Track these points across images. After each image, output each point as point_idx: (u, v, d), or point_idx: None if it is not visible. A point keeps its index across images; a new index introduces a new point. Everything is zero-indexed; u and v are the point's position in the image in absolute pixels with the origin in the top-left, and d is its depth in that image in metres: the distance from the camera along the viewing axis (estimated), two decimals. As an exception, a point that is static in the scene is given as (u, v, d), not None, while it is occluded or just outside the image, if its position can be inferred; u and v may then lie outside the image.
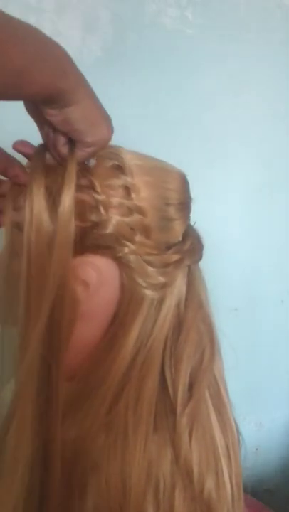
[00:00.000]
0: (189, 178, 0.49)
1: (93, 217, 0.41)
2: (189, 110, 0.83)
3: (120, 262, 0.43)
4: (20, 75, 0.31)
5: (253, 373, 1.01)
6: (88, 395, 0.42)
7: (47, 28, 0.70)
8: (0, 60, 0.30)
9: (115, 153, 0.44)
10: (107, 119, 0.40)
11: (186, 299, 0.46)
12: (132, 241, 0.42)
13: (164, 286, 0.44)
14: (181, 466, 0.41)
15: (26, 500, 0.39)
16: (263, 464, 1.11)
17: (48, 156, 0.42)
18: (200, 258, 0.49)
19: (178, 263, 0.45)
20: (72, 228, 0.39)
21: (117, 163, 0.43)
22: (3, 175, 0.42)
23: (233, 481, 0.45)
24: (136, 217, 0.42)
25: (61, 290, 0.39)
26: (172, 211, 0.45)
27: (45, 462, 0.40)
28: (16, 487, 0.39)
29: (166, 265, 0.44)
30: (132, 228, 0.42)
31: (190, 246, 0.46)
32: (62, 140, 0.39)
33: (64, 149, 0.40)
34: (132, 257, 0.42)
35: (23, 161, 0.45)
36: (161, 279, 0.43)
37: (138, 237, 0.42)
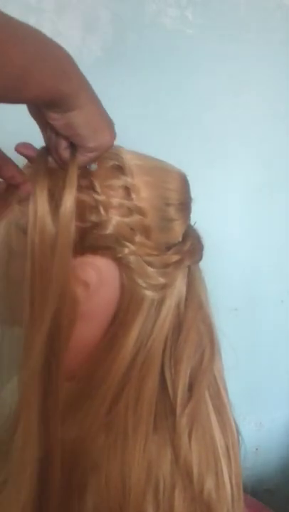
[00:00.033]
0: (189, 178, 0.49)
1: (93, 218, 0.41)
2: (189, 110, 0.83)
3: (120, 263, 0.43)
4: (21, 76, 0.31)
5: (253, 373, 1.01)
6: (88, 395, 0.42)
7: (47, 28, 0.71)
8: (0, 60, 0.29)
9: (115, 153, 0.44)
10: (109, 125, 0.39)
11: (186, 300, 0.46)
12: (132, 241, 0.42)
13: (164, 287, 0.44)
14: (181, 467, 0.41)
15: (34, 500, 0.39)
16: (263, 464, 1.11)
17: (50, 159, 0.42)
18: (200, 258, 0.49)
19: (178, 263, 0.45)
20: (72, 231, 0.39)
21: (117, 163, 0.43)
22: None
23: (233, 481, 0.45)
24: (136, 218, 0.42)
25: (62, 290, 0.39)
26: (172, 211, 0.45)
27: (45, 462, 0.40)
28: (26, 487, 0.39)
29: (166, 266, 0.44)
30: (132, 229, 0.42)
31: (190, 246, 0.46)
32: (64, 144, 0.39)
33: (65, 153, 0.39)
34: (132, 258, 0.42)
35: (24, 162, 0.45)
36: (161, 280, 0.43)
37: (138, 238, 0.42)
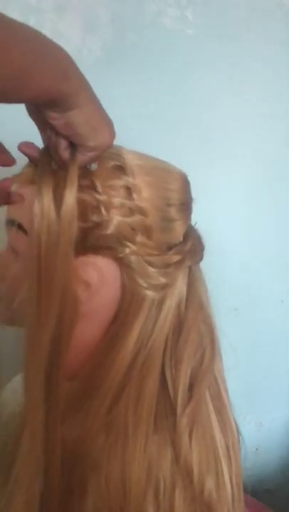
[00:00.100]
0: (189, 178, 0.49)
1: (94, 218, 0.41)
2: (189, 110, 0.83)
3: (121, 263, 0.43)
4: (21, 77, 0.31)
5: (253, 373, 1.01)
6: (89, 394, 0.42)
7: (47, 28, 0.71)
8: (0, 60, 0.30)
9: (116, 153, 0.44)
10: (109, 124, 0.39)
11: (187, 300, 0.46)
12: (133, 241, 0.42)
13: (164, 287, 0.44)
14: (182, 467, 0.41)
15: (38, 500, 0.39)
16: (263, 464, 1.11)
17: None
18: (201, 259, 0.49)
19: (179, 264, 0.45)
20: (74, 231, 0.39)
21: (118, 163, 0.43)
22: None
23: (233, 481, 0.45)
24: (137, 218, 0.42)
25: (64, 290, 0.39)
26: (173, 212, 0.45)
27: (45, 462, 0.40)
28: (31, 487, 0.39)
29: (167, 266, 0.44)
30: (133, 229, 0.42)
31: (191, 246, 0.46)
32: (63, 144, 0.39)
33: (65, 153, 0.40)
34: (133, 258, 0.42)
35: (25, 161, 0.45)
36: (162, 280, 0.43)
37: (139, 238, 0.42)
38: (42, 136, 0.41)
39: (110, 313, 0.45)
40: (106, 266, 0.43)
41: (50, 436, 0.40)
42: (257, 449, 1.10)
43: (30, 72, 0.32)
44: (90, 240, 0.42)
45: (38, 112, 0.38)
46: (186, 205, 0.47)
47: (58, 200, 0.39)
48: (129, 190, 0.42)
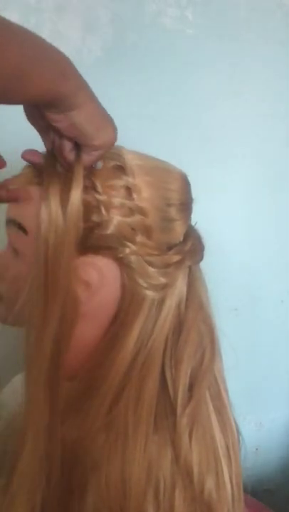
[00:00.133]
0: (189, 179, 0.49)
1: (94, 218, 0.41)
2: (189, 110, 0.83)
3: (121, 263, 0.43)
4: (20, 77, 0.32)
5: (253, 373, 1.01)
6: (89, 394, 0.42)
7: (47, 28, 0.71)
8: None
9: (117, 153, 0.44)
10: (111, 122, 0.40)
11: (187, 300, 0.46)
12: (133, 242, 0.42)
13: (164, 287, 0.44)
14: (182, 467, 0.41)
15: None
16: (263, 464, 1.11)
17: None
18: (201, 259, 0.49)
19: (179, 264, 0.45)
20: (79, 231, 0.40)
21: (118, 163, 0.43)
22: None
23: (233, 481, 0.45)
24: (137, 218, 0.42)
25: (67, 290, 0.39)
26: (173, 212, 0.45)
27: (45, 462, 0.40)
28: (34, 487, 0.39)
29: (167, 266, 0.44)
30: (133, 229, 0.42)
31: (191, 247, 0.46)
32: (68, 146, 0.39)
33: (71, 155, 0.40)
34: (133, 258, 0.42)
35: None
36: (162, 280, 0.44)
37: (139, 238, 0.42)
38: (44, 140, 0.41)
39: (110, 313, 0.45)
40: (106, 266, 0.43)
41: (51, 436, 0.40)
42: (257, 449, 1.10)
43: (29, 73, 0.32)
44: (90, 239, 0.42)
45: (38, 116, 0.38)
46: (186, 205, 0.47)
47: (64, 201, 0.39)
48: (129, 190, 0.43)
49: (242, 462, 0.48)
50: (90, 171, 0.42)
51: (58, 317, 0.39)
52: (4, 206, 0.47)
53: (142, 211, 0.43)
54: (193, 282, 0.47)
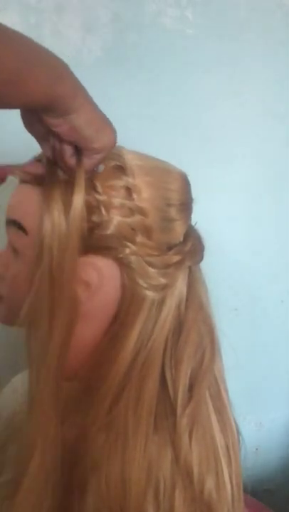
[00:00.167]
0: (189, 179, 0.49)
1: (94, 218, 0.41)
2: (189, 110, 0.83)
3: (121, 263, 0.43)
4: (16, 82, 0.32)
5: (253, 373, 1.01)
6: (89, 394, 0.43)
7: (47, 28, 0.71)
8: None
9: (117, 153, 0.44)
10: (110, 124, 0.40)
11: (187, 300, 0.46)
12: (133, 242, 0.42)
13: (164, 287, 0.44)
14: (181, 467, 0.41)
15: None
16: (263, 464, 1.11)
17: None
18: (201, 259, 0.49)
19: (179, 264, 0.45)
20: (82, 234, 0.40)
21: (118, 163, 0.43)
22: None
23: (233, 481, 0.45)
24: (137, 218, 0.42)
25: (69, 291, 0.40)
26: (173, 212, 0.45)
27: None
28: (42, 487, 0.39)
29: (167, 266, 0.44)
30: (133, 229, 0.42)
31: (191, 247, 0.46)
32: (68, 151, 0.39)
33: (72, 160, 0.40)
34: (133, 258, 0.42)
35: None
36: (162, 280, 0.44)
37: (139, 238, 0.42)
38: (43, 148, 0.41)
39: (110, 314, 0.45)
40: (106, 266, 0.43)
41: (54, 438, 0.40)
42: (257, 449, 1.10)
43: (25, 78, 0.32)
44: (91, 240, 0.42)
45: (37, 123, 0.38)
46: (186, 205, 0.47)
47: (67, 207, 0.40)
48: (129, 190, 0.43)
49: (242, 462, 0.48)
50: (92, 174, 0.42)
51: (56, 317, 0.40)
52: (4, 206, 0.47)
53: (142, 211, 0.43)
54: (194, 282, 0.47)
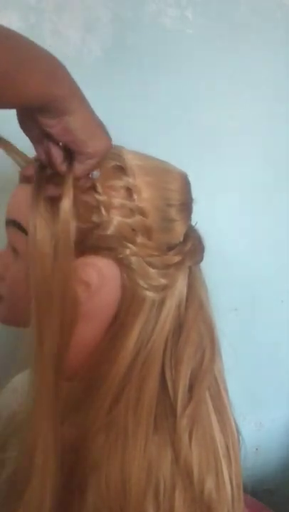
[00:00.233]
0: (190, 178, 0.49)
1: (94, 218, 0.41)
2: (189, 110, 0.83)
3: (121, 263, 0.43)
4: (9, 81, 0.32)
5: (253, 373, 1.01)
6: (89, 394, 0.43)
7: (47, 28, 0.71)
8: None
9: (117, 153, 0.44)
10: (104, 129, 0.39)
11: (187, 300, 0.46)
12: (133, 242, 0.42)
13: (165, 288, 0.44)
14: (181, 467, 0.41)
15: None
16: (263, 464, 1.11)
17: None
18: (201, 259, 0.49)
19: (179, 264, 0.45)
20: (73, 233, 0.39)
21: (118, 163, 0.43)
22: None
23: (233, 482, 0.45)
24: (137, 218, 0.42)
25: (63, 291, 0.39)
26: (173, 212, 0.45)
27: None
28: (46, 488, 0.39)
29: (167, 267, 0.44)
30: (133, 229, 0.42)
31: (191, 247, 0.46)
32: (61, 156, 0.39)
33: (63, 167, 0.39)
34: (133, 259, 0.42)
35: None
36: (163, 281, 0.43)
37: (139, 239, 0.42)
38: (36, 150, 0.41)
39: (110, 314, 0.45)
40: (106, 267, 0.43)
41: (55, 438, 0.40)
42: (257, 449, 1.10)
43: (19, 77, 0.32)
44: (90, 240, 0.42)
45: (32, 124, 0.38)
46: (186, 206, 0.47)
47: (55, 210, 0.39)
48: (129, 190, 0.42)
49: (242, 462, 0.48)
50: (87, 181, 0.41)
51: (55, 317, 0.39)
52: (4, 206, 0.47)
53: (142, 212, 0.42)
54: (194, 283, 0.47)
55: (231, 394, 0.49)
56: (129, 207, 0.42)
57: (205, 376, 0.45)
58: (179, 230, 0.46)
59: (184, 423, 0.42)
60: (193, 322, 0.46)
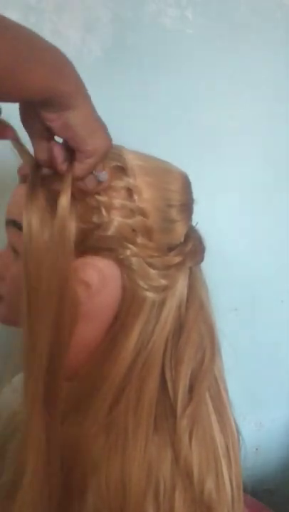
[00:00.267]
0: (190, 179, 0.49)
1: (95, 219, 0.41)
2: (189, 110, 0.83)
3: (122, 264, 0.43)
4: (11, 74, 0.31)
5: (253, 373, 1.01)
6: (89, 395, 0.42)
7: (47, 28, 0.71)
8: None
9: (117, 154, 0.43)
10: (106, 131, 0.39)
11: (188, 301, 0.46)
12: (133, 243, 0.42)
13: (165, 289, 0.44)
14: (181, 468, 0.41)
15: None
16: (263, 464, 1.11)
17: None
18: (202, 259, 0.49)
19: (179, 265, 0.45)
20: (72, 233, 0.39)
21: (119, 164, 0.43)
22: None
23: (233, 482, 0.45)
24: (138, 219, 0.42)
25: (62, 291, 0.39)
26: (174, 212, 0.45)
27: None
28: (40, 488, 0.39)
29: (167, 267, 0.44)
30: (133, 230, 0.42)
31: (192, 247, 0.46)
32: (62, 155, 0.39)
33: (64, 166, 0.39)
34: (133, 260, 0.42)
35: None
36: (163, 282, 0.43)
37: (140, 239, 0.42)
38: (34, 148, 0.40)
39: (111, 314, 0.44)
40: (106, 267, 0.43)
41: (51, 436, 0.40)
42: (257, 449, 1.10)
43: (22, 70, 0.32)
44: (91, 241, 0.42)
45: (34, 120, 0.37)
46: (186, 206, 0.47)
47: (52, 212, 0.39)
48: (130, 191, 0.42)
49: (242, 462, 0.48)
50: (96, 186, 0.41)
51: (55, 317, 0.39)
52: (4, 206, 0.47)
53: (142, 212, 0.42)
54: (194, 283, 0.47)
55: (231, 394, 0.49)
56: (130, 207, 0.42)
57: (205, 376, 0.45)
58: (180, 230, 0.46)
59: (184, 423, 0.42)
60: (193, 323, 0.46)
